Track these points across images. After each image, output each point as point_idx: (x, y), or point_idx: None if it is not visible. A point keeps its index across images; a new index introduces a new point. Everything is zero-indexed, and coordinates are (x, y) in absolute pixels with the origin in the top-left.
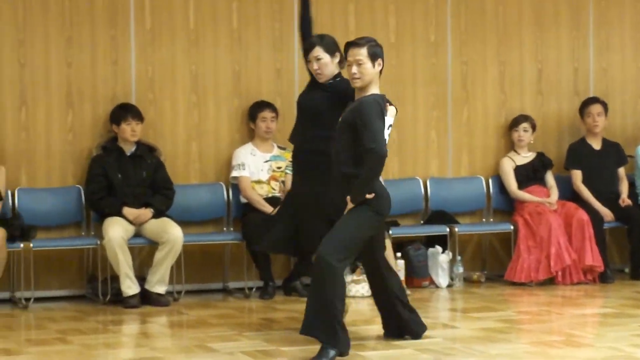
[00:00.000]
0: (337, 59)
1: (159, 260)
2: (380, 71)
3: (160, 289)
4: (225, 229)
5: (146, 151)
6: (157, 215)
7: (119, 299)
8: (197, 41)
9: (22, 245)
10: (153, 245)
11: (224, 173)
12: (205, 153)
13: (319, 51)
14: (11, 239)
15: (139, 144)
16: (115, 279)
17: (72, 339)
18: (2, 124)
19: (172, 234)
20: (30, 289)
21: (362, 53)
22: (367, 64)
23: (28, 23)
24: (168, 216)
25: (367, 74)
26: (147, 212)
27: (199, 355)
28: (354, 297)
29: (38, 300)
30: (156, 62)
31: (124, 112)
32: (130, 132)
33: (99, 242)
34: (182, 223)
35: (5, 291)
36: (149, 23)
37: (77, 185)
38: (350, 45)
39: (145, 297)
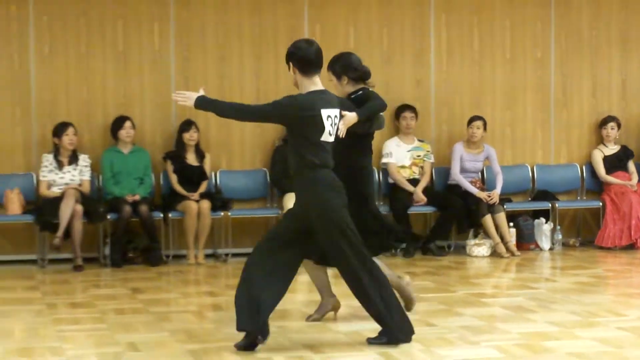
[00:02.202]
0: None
1: None
2: (301, 73)
3: None
4: (378, 202)
5: None
6: None
7: None
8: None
9: (222, 213)
10: None
11: (376, 160)
12: None
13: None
14: (214, 209)
15: None
16: None
17: None
18: (208, 122)
19: None
20: (228, 247)
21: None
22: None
23: (227, 42)
24: None
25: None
26: None
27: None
28: (476, 256)
29: (234, 255)
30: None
31: None
32: None
33: (279, 212)
34: None
35: (210, 248)
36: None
37: (263, 169)
38: None
39: None
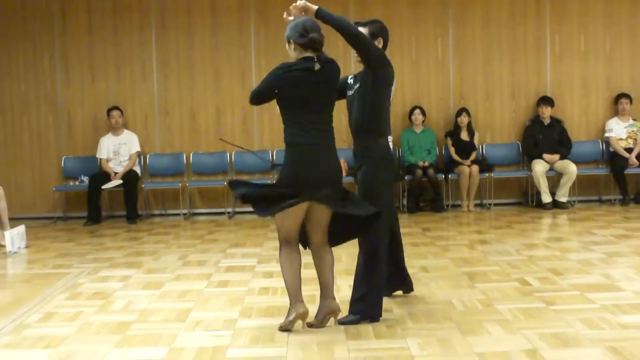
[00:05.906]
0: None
1: (562, 183)
2: (384, 47)
3: (563, 199)
4: (600, 166)
5: (555, 122)
6: (562, 157)
7: (539, 205)
8: (611, 58)
9: (487, 175)
10: (558, 174)
11: (599, 134)
12: (591, 123)
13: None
14: (481, 171)
15: (552, 118)
16: (539, 194)
17: (514, 226)
18: (477, 108)
19: (569, 169)
20: (491, 199)
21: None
22: None
23: (490, 51)
24: (568, 158)
25: None
26: (556, 157)
27: (585, 236)
28: None
29: (495, 205)
30: (563, 73)
31: (540, 101)
32: (540, 113)
33: (529, 173)
34: (576, 162)
35: (477, 199)
36: (557, 46)
37: (517, 142)
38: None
39: (555, 204)
